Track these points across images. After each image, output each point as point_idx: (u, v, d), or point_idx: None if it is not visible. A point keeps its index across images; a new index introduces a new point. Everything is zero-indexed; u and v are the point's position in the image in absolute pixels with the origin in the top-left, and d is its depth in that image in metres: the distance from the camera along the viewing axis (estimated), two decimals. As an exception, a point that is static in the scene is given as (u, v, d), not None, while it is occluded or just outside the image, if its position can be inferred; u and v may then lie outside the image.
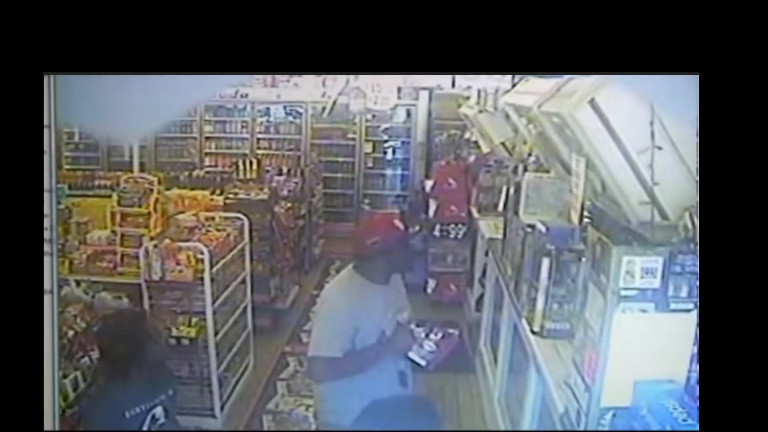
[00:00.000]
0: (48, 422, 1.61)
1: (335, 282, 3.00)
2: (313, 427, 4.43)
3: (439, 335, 2.81)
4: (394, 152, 9.78)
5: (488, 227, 5.17)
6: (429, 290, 6.59)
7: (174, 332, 4.01)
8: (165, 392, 2.91)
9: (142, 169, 6.14)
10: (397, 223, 2.95)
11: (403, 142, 9.70)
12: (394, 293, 2.99)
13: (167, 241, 4.10)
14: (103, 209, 4.57)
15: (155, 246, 4.05)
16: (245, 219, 4.88)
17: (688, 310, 1.86)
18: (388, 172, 9.87)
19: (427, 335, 2.80)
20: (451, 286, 6.52)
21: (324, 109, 9.39)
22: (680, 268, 1.85)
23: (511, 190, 4.03)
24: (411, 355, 2.77)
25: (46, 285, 1.55)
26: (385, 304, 2.88)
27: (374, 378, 2.80)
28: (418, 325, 2.89)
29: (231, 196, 5.78)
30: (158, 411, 2.84)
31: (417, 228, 6.21)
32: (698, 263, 1.70)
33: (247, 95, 9.62)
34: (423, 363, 2.77)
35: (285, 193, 6.75)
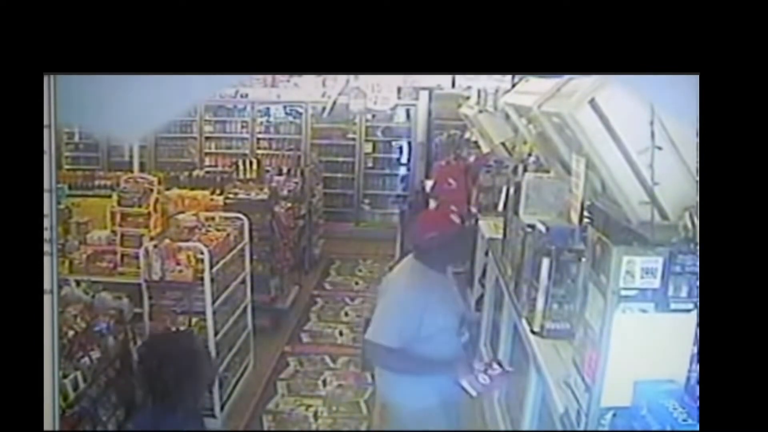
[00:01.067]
0: (48, 422, 1.61)
1: (398, 269, 3.02)
2: (314, 427, 4.44)
3: (497, 371, 2.82)
4: (394, 152, 9.78)
5: (488, 227, 5.17)
6: (429, 290, 6.58)
7: (174, 332, 4.01)
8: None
9: (142, 169, 6.15)
10: (454, 217, 3.02)
11: (403, 142, 9.70)
12: (450, 283, 3.04)
13: (167, 241, 4.10)
14: (103, 209, 4.58)
15: (155, 246, 4.05)
16: (245, 219, 4.88)
17: (688, 310, 1.86)
18: (388, 172, 9.87)
19: (485, 370, 2.81)
20: (451, 286, 6.51)
21: (324, 109, 9.39)
22: (680, 268, 1.85)
23: (511, 190, 4.02)
24: (463, 383, 2.78)
25: (46, 285, 1.55)
26: (444, 294, 2.92)
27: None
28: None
29: (231, 196, 5.78)
30: None
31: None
32: (698, 263, 1.70)
33: (247, 95, 9.62)
34: (474, 393, 2.78)
35: (285, 193, 6.75)
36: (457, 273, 6.38)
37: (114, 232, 4.41)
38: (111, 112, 1.60)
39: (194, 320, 4.04)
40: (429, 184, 7.25)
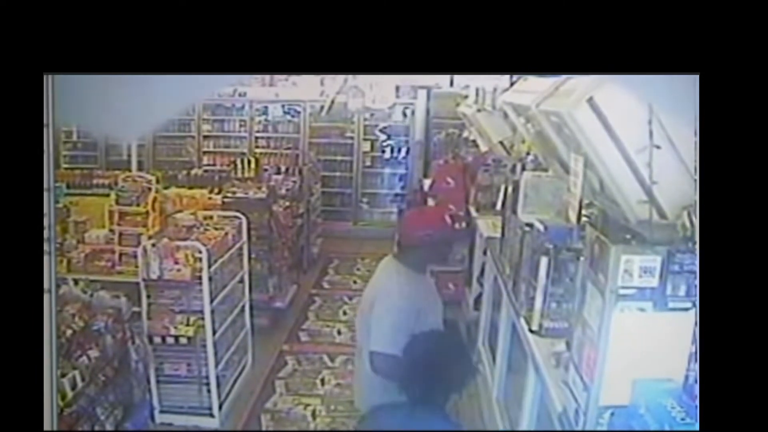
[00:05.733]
0: (46, 421, 1.61)
1: (382, 275, 3.01)
2: (312, 426, 4.44)
3: None
4: (392, 151, 9.78)
5: (486, 226, 5.18)
6: (427, 289, 6.58)
7: (172, 331, 4.01)
8: None
9: (140, 167, 6.13)
10: (447, 218, 3.14)
11: (401, 141, 9.70)
12: (431, 282, 3.12)
13: (165, 240, 4.10)
14: (102, 208, 4.58)
15: (153, 245, 4.05)
16: (243, 218, 4.88)
17: (687, 309, 1.87)
18: (387, 170, 9.86)
19: None
20: (450, 284, 6.50)
21: (322, 107, 9.38)
22: (678, 267, 1.86)
23: (510, 189, 4.03)
24: None
25: (45, 284, 1.55)
26: (428, 295, 2.96)
27: None
28: None
29: (229, 194, 5.77)
30: None
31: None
32: (697, 262, 1.70)
33: (245, 94, 9.60)
34: None
35: (283, 191, 6.75)
36: (456, 272, 6.45)
37: (112, 230, 4.42)
38: (109, 111, 1.60)
39: (192, 319, 4.04)
40: (427, 183, 7.26)
